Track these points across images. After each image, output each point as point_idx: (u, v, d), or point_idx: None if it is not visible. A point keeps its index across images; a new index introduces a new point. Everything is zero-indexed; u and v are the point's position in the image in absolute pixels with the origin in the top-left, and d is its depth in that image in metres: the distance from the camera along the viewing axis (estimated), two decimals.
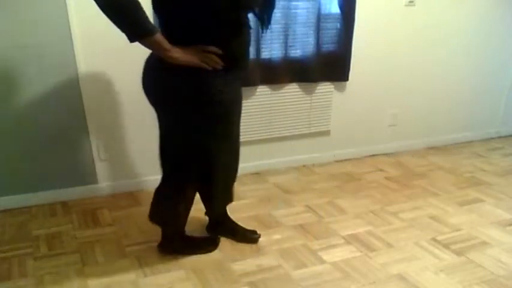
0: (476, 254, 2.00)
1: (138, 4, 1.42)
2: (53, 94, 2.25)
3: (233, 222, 2.14)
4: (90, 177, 2.48)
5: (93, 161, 2.45)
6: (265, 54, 2.61)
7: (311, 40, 2.68)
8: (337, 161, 3.10)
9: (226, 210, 2.12)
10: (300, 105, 2.84)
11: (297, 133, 2.91)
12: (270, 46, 2.60)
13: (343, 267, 1.89)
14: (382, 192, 2.63)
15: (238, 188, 2.64)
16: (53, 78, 2.23)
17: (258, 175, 2.86)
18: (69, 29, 2.18)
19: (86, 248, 2.02)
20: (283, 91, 2.77)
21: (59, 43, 2.18)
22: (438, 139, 3.47)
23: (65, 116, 2.32)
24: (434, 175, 2.91)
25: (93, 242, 2.07)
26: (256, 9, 1.71)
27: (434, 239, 2.12)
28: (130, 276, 1.82)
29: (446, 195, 2.61)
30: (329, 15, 2.68)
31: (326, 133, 3.03)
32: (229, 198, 2.05)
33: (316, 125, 2.94)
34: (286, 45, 2.64)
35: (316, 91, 2.86)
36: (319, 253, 2.00)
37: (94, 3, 1.38)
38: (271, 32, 2.56)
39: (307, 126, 2.92)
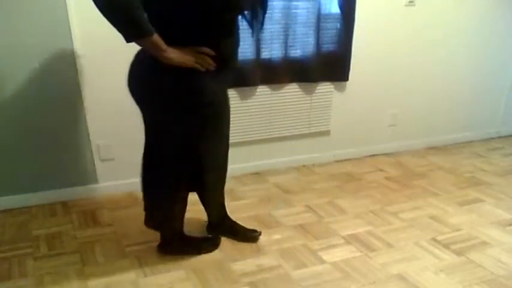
0: (476, 254, 2.00)
1: (137, 4, 1.40)
2: (53, 94, 2.25)
3: (233, 221, 2.14)
4: (90, 177, 2.48)
5: (93, 161, 2.45)
6: (265, 54, 2.61)
7: (311, 40, 2.68)
8: (337, 161, 3.10)
9: (225, 211, 2.12)
10: (300, 105, 2.84)
11: (297, 133, 2.91)
12: (270, 46, 2.60)
13: (343, 267, 1.89)
14: (382, 192, 2.63)
15: (238, 188, 2.65)
16: (53, 78, 2.23)
17: (258, 175, 2.86)
18: (69, 29, 2.18)
19: (86, 248, 2.02)
20: (283, 91, 2.77)
21: (59, 43, 2.18)
22: (438, 139, 3.47)
23: (65, 116, 2.32)
24: (434, 175, 2.91)
25: (93, 242, 2.07)
26: (247, 11, 1.72)
27: (434, 239, 2.12)
28: (130, 276, 1.82)
29: (446, 195, 2.61)
30: (329, 15, 2.68)
31: (326, 133, 3.03)
32: (221, 198, 2.06)
33: (316, 125, 2.94)
34: (286, 45, 2.64)
35: (316, 91, 2.86)
36: (319, 253, 2.00)
37: (93, 3, 1.38)
38: (271, 32, 2.56)
39: (307, 126, 2.92)
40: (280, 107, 2.80)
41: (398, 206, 2.47)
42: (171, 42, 1.53)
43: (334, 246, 2.06)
